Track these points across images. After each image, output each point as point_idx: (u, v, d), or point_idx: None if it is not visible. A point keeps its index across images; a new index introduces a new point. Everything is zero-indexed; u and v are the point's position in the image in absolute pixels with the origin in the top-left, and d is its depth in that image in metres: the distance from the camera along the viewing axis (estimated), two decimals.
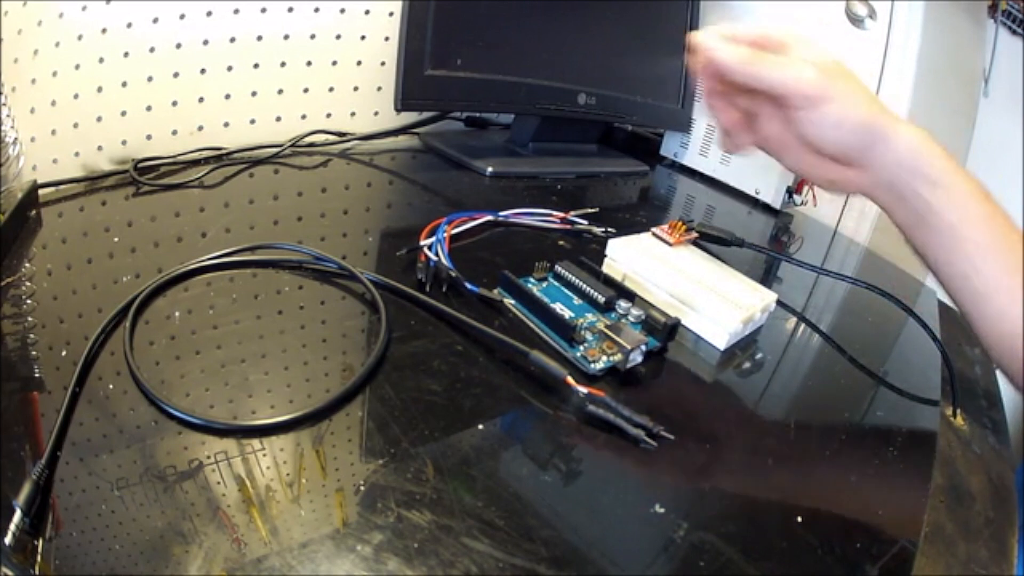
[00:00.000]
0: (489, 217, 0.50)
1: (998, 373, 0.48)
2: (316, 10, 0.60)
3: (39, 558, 0.21)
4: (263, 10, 0.57)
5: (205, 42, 0.55)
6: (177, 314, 0.33)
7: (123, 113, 0.52)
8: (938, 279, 0.39)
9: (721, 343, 0.39)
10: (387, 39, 0.65)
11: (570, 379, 0.30)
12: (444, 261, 0.40)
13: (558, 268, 0.41)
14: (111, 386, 0.28)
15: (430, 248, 0.42)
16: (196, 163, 0.53)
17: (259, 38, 0.58)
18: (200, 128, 0.57)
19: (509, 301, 0.38)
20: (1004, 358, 0.36)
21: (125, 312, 0.32)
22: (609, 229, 0.52)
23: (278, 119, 0.62)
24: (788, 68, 0.37)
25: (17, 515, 0.21)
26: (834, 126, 0.37)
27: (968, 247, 0.36)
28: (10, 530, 0.21)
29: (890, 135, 0.37)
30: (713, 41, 0.39)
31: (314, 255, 0.39)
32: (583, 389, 0.30)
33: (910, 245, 0.39)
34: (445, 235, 0.44)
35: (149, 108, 0.54)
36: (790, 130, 0.39)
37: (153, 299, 0.34)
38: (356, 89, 0.66)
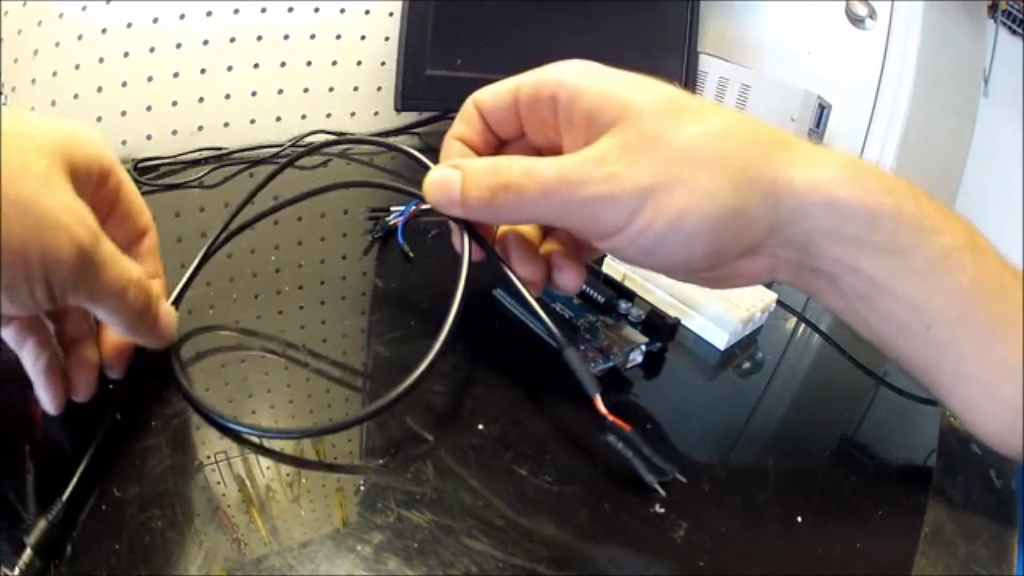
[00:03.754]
0: None
1: None
2: (316, 10, 0.60)
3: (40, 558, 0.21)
4: (263, 10, 0.57)
5: (205, 42, 0.55)
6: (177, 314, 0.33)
7: (123, 113, 0.52)
8: (903, 366, 0.28)
9: (721, 343, 0.39)
10: (387, 39, 0.65)
11: (599, 400, 0.27)
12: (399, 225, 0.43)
13: None
14: (111, 386, 0.28)
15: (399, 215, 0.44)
16: (196, 163, 0.53)
17: (259, 38, 0.58)
18: (200, 128, 0.57)
19: (509, 301, 0.38)
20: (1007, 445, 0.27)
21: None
22: None
23: (278, 119, 0.62)
24: (571, 203, 0.24)
25: (27, 554, 0.20)
26: (684, 246, 0.24)
27: (944, 333, 0.25)
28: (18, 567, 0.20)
29: (788, 213, 0.24)
30: (442, 185, 0.27)
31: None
32: (609, 417, 0.26)
33: (856, 330, 0.28)
34: (414, 208, 0.45)
35: (149, 108, 0.54)
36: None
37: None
38: (356, 89, 0.66)
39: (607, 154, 0.24)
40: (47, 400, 0.24)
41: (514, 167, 0.25)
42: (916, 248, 0.24)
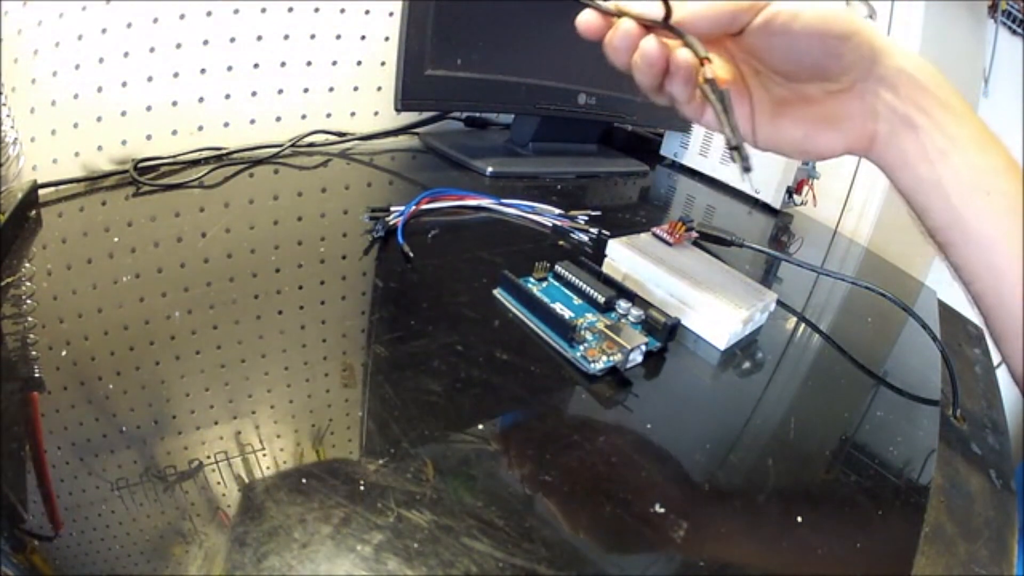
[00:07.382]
0: (479, 200, 0.52)
1: (998, 372, 0.48)
2: (316, 10, 0.60)
3: (39, 558, 0.21)
4: (263, 10, 0.57)
5: (205, 42, 0.55)
6: (177, 314, 0.33)
7: (123, 113, 0.52)
8: (934, 239, 0.33)
9: (721, 343, 0.39)
10: (387, 39, 0.65)
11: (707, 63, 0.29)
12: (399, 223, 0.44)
13: (558, 268, 0.41)
14: (111, 386, 0.28)
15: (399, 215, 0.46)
16: (196, 163, 0.53)
17: (259, 38, 0.58)
18: (200, 128, 0.57)
19: (509, 301, 0.38)
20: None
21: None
22: (604, 232, 0.52)
23: (278, 119, 0.62)
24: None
25: None
26: (801, 38, 0.30)
27: (993, 202, 0.30)
28: None
29: (883, 44, 0.31)
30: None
31: None
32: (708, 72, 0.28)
33: (906, 200, 0.33)
34: (414, 207, 0.47)
35: (149, 108, 0.54)
36: (757, 80, 0.32)
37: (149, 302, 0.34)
38: (356, 89, 0.66)
39: None
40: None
41: None
42: (970, 116, 0.31)
